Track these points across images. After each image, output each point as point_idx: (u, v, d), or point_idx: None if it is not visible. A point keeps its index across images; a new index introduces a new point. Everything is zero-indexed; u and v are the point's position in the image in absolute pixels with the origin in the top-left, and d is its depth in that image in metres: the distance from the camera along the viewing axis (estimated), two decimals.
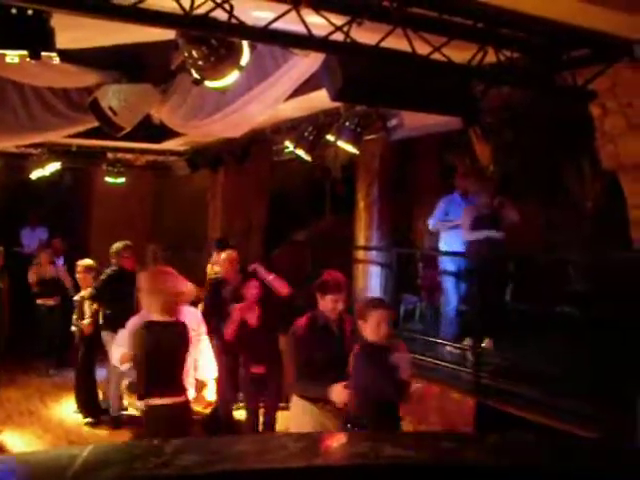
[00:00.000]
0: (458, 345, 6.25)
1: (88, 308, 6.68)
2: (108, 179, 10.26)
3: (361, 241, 8.51)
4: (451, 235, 6.89)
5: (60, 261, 9.04)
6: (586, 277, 6.89)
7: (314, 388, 4.08)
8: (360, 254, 8.59)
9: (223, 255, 6.40)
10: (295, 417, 4.32)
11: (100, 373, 7.04)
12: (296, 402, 4.30)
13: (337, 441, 2.24)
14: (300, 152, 7.18)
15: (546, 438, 2.93)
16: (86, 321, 6.65)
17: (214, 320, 5.73)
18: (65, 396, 7.53)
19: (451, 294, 6.82)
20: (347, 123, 6.49)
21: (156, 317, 4.04)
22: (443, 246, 7.05)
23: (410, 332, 6.88)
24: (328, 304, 4.22)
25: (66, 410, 7.19)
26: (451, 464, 1.80)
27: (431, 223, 7.11)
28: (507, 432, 4.45)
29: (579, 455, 1.94)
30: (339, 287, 4.25)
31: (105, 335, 6.72)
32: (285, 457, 1.78)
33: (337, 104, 6.19)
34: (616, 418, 4.39)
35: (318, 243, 9.65)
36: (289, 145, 7.41)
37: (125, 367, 4.30)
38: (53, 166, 9.36)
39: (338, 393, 3.87)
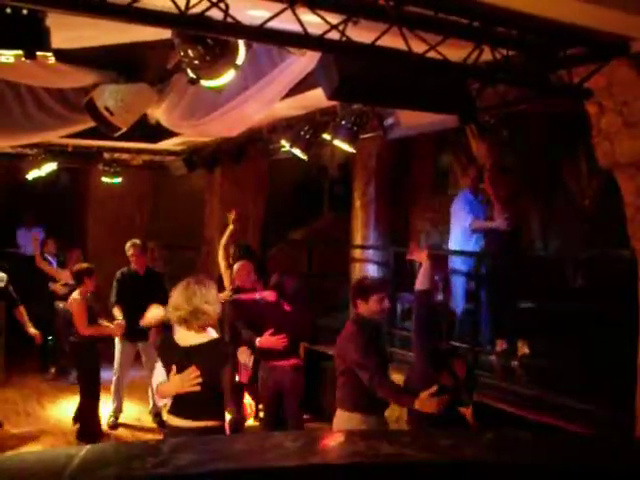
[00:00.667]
0: (456, 344, 6.25)
1: (118, 312, 6.67)
2: (104, 179, 10.23)
3: (358, 240, 8.50)
4: (463, 234, 6.78)
5: (54, 262, 8.99)
6: (583, 274, 6.89)
7: (402, 397, 3.89)
8: (357, 253, 8.59)
9: (236, 266, 6.37)
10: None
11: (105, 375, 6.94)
12: (341, 415, 4.06)
13: (335, 440, 2.23)
14: (296, 151, 7.16)
15: (541, 435, 2.93)
16: (119, 318, 6.58)
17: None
18: (62, 397, 7.52)
19: (460, 296, 6.73)
20: (343, 122, 6.47)
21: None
22: (452, 245, 6.91)
23: (407, 331, 6.87)
24: (373, 306, 4.00)
25: (63, 411, 7.18)
26: (448, 461, 1.80)
27: (470, 224, 6.66)
28: (502, 429, 4.45)
29: (575, 452, 1.95)
30: (377, 285, 4.08)
31: (117, 340, 6.78)
32: (282, 456, 1.78)
33: (333, 103, 6.16)
34: (612, 415, 4.40)
35: (315, 242, 9.66)
36: (285, 144, 7.39)
37: (165, 402, 3.96)
38: (49, 166, 9.31)
39: (426, 404, 3.63)
